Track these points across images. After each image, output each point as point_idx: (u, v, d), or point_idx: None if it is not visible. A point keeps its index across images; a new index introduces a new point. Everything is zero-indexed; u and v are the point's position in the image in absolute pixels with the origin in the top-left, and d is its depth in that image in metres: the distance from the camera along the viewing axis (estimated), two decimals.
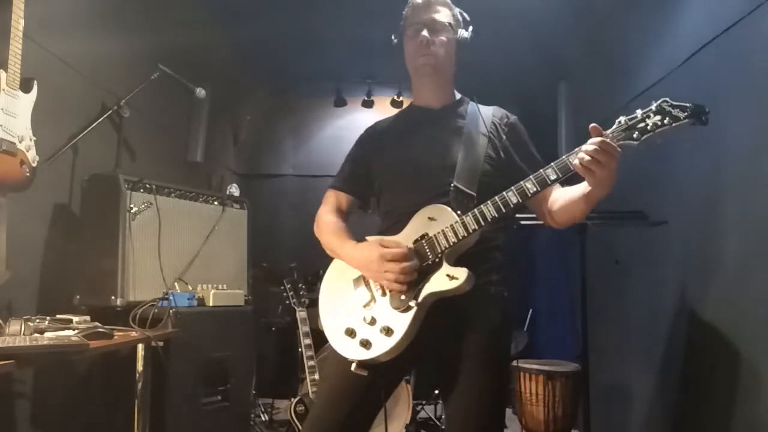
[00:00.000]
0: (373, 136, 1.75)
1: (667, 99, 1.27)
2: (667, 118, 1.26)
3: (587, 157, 1.27)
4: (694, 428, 2.36)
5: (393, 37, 1.71)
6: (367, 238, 1.61)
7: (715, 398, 2.18)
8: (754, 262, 2.02)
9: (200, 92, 3.20)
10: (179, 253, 2.70)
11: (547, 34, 3.75)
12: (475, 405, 1.48)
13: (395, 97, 5.04)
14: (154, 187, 2.61)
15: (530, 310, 5.02)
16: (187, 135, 3.93)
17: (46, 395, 2.32)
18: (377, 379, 1.48)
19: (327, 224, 1.68)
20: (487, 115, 1.66)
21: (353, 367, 1.46)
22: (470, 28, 1.69)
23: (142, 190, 2.56)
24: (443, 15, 1.66)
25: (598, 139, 1.27)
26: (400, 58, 1.72)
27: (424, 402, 3.68)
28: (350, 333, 1.49)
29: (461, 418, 1.49)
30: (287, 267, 3.35)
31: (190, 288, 2.63)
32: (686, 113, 1.24)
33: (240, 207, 3.14)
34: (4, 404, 2.18)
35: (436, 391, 3.86)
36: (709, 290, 2.30)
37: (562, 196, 1.52)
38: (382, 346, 1.43)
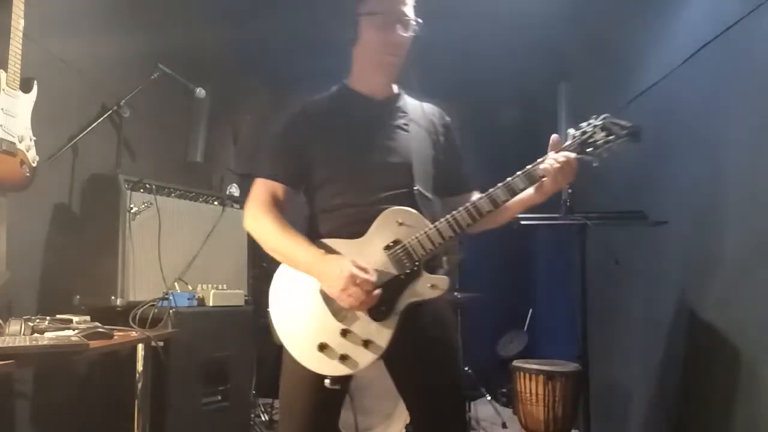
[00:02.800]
0: (309, 121, 1.60)
1: (608, 115, 1.43)
2: (612, 135, 1.41)
3: (557, 165, 1.40)
4: (694, 428, 2.36)
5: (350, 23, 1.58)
6: (326, 241, 1.50)
7: (715, 398, 2.18)
8: (754, 262, 2.02)
9: (200, 92, 3.19)
10: (179, 253, 2.70)
11: (547, 35, 3.75)
12: (436, 399, 1.50)
13: None
14: (154, 187, 2.61)
15: (530, 310, 5.02)
16: (187, 135, 3.92)
17: (46, 395, 2.32)
18: (346, 385, 1.47)
19: (275, 224, 1.52)
20: (425, 113, 1.64)
21: (327, 383, 1.40)
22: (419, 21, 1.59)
23: (142, 190, 2.55)
24: (413, 9, 1.56)
25: (565, 153, 1.42)
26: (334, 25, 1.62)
27: None
28: (323, 348, 1.41)
29: (424, 411, 1.52)
30: None
31: (190, 288, 2.62)
32: (626, 131, 1.40)
33: (240, 207, 3.13)
34: (4, 404, 2.18)
35: None
36: (709, 290, 2.30)
37: None
38: (363, 359, 1.39)
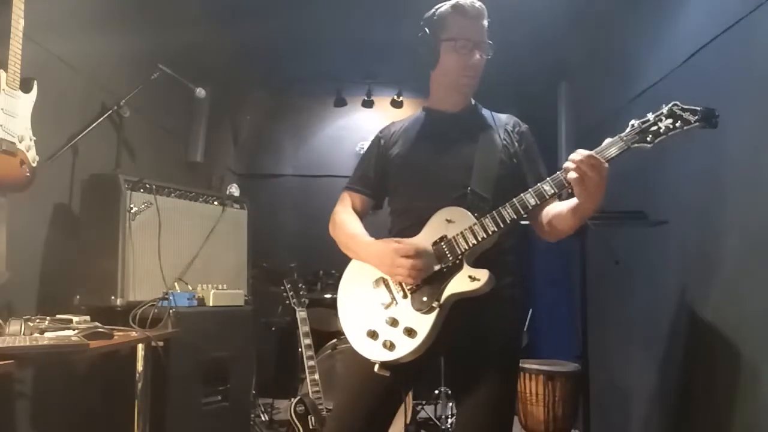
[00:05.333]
0: (387, 136, 1.77)
1: (678, 102, 1.30)
2: (679, 122, 1.29)
3: (573, 165, 1.31)
4: (694, 428, 2.36)
5: (425, 29, 1.65)
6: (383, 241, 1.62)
7: (715, 398, 2.18)
8: (754, 262, 2.02)
9: (200, 92, 3.19)
10: (179, 253, 2.70)
11: (547, 35, 3.75)
12: (485, 407, 1.52)
13: (395, 97, 5.04)
14: (154, 187, 2.60)
15: (530, 310, 5.01)
16: (187, 135, 3.93)
17: (46, 395, 2.32)
18: (398, 379, 1.51)
19: (343, 223, 1.69)
20: (500, 121, 1.70)
21: (376, 368, 1.48)
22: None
23: (142, 190, 2.55)
24: (486, 32, 1.65)
25: (586, 153, 1.30)
26: (418, 51, 1.67)
27: (424, 402, 3.68)
28: (372, 335, 1.51)
29: (471, 420, 1.53)
30: (287, 267, 3.36)
31: (190, 288, 2.62)
32: (697, 116, 1.27)
33: (240, 207, 3.13)
34: (4, 404, 2.18)
35: (436, 391, 3.87)
36: (709, 290, 2.30)
37: (553, 209, 1.54)
38: (405, 347, 1.46)
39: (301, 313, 3.03)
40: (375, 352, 1.49)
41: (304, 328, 2.97)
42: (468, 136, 1.65)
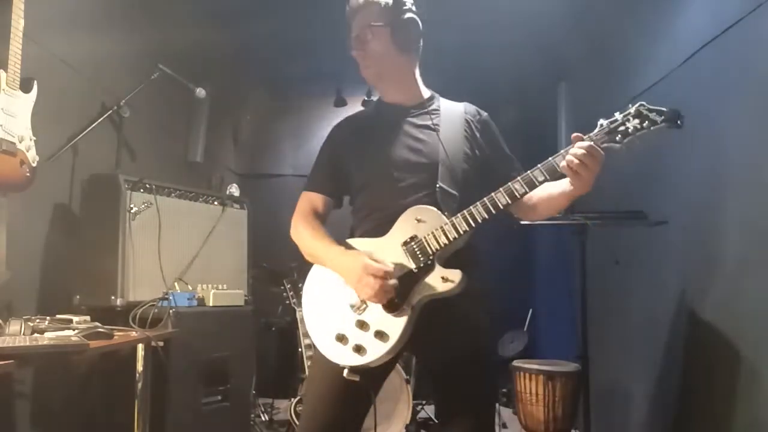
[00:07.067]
0: (346, 134, 1.71)
1: (644, 103, 1.35)
2: (646, 122, 1.34)
3: (576, 161, 1.35)
4: (694, 428, 2.36)
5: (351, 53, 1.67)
6: (349, 241, 1.58)
7: (715, 398, 2.18)
8: (754, 262, 2.02)
9: (200, 92, 3.19)
10: (179, 253, 2.70)
11: (547, 35, 3.75)
12: (465, 401, 1.52)
13: None
14: (154, 187, 2.61)
15: (530, 310, 5.02)
16: (187, 135, 3.93)
17: (46, 395, 2.32)
18: (367, 380, 1.47)
19: (307, 229, 1.63)
20: (459, 112, 1.67)
21: (345, 373, 1.44)
22: (408, 7, 1.61)
23: (142, 190, 2.55)
24: (369, 15, 1.61)
25: (587, 143, 1.35)
26: None
27: (424, 402, 3.68)
28: (341, 339, 1.48)
29: (453, 416, 1.54)
30: (287, 267, 3.35)
31: (190, 288, 2.62)
32: (662, 117, 1.32)
33: (240, 207, 3.14)
34: (4, 404, 2.18)
35: None
36: (709, 290, 2.30)
37: (536, 193, 1.53)
38: (376, 351, 1.43)
39: (301, 313, 3.03)
40: (345, 357, 1.45)
41: (304, 328, 2.96)
42: (429, 131, 1.62)
